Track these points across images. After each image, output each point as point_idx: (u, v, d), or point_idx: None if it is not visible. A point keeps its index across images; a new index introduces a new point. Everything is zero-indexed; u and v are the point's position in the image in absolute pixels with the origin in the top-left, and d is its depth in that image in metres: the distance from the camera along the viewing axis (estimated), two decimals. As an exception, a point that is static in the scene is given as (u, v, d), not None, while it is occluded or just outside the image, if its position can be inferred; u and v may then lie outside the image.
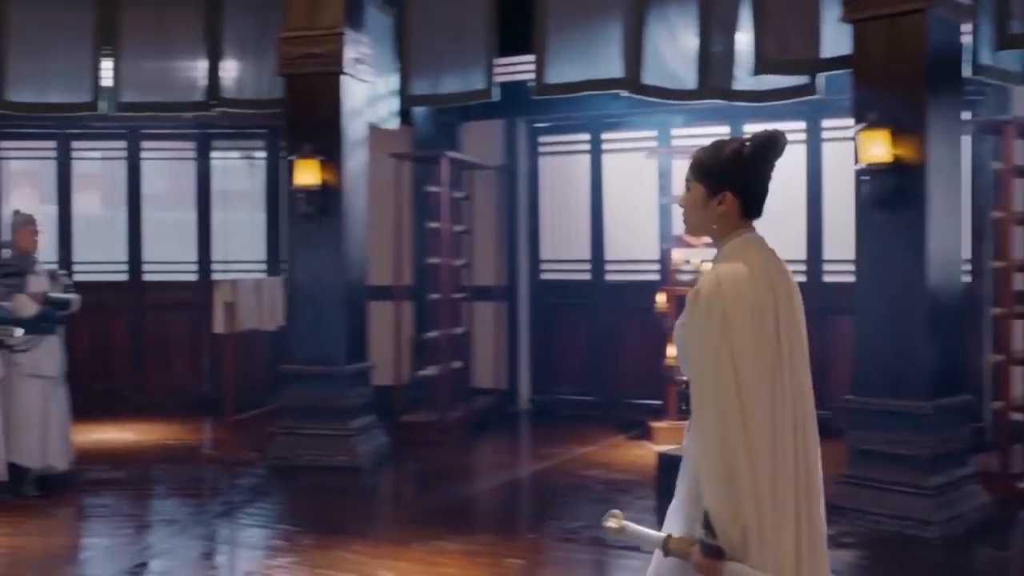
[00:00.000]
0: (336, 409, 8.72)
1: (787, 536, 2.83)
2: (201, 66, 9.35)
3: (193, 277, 11.81)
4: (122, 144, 11.92)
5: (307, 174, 8.65)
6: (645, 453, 8.83)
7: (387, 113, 9.85)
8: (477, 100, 8.94)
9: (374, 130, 9.77)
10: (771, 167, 2.95)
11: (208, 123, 11.37)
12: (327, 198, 8.69)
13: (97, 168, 12.37)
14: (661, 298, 9.23)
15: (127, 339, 11.89)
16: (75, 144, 11.96)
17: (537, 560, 6.34)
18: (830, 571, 3.01)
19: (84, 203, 12.29)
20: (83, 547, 6.96)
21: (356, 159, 9.01)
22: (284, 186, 9.76)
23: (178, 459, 9.14)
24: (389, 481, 8.80)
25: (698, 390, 2.82)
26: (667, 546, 2.91)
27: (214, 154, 11.94)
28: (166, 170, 12.32)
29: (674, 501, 3.01)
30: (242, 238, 11.93)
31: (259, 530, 7.06)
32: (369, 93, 9.28)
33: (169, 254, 11.98)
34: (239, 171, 12.04)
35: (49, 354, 7.95)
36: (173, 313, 11.81)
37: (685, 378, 3.08)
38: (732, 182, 2.93)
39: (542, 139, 11.44)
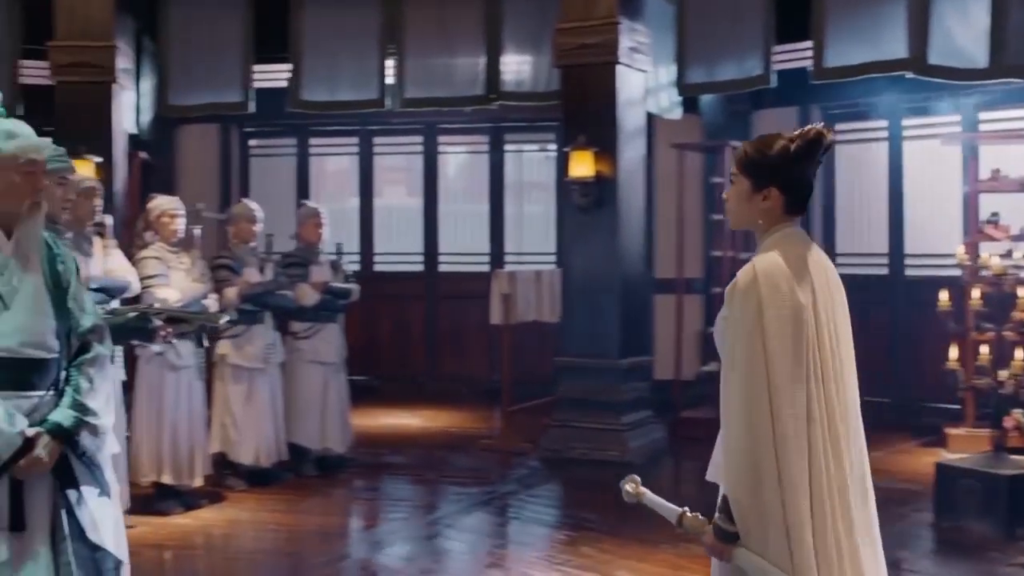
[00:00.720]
0: (609, 403, 8.62)
1: (824, 532, 2.81)
2: (480, 61, 9.50)
3: (486, 268, 12.04)
4: (419, 139, 12.32)
5: (582, 165, 8.60)
6: (934, 461, 8.19)
7: (669, 103, 9.65)
8: (755, 87, 8.64)
9: (657, 120, 9.59)
10: (817, 165, 2.98)
11: (501, 117, 11.58)
12: (602, 189, 8.61)
13: (400, 162, 12.82)
14: (944, 295, 8.56)
15: (423, 328, 12.28)
16: (376, 140, 12.47)
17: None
18: (883, 570, 2.97)
19: (389, 197, 12.78)
20: (351, 528, 7.21)
21: (633, 150, 8.87)
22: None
23: (456, 447, 9.34)
24: (658, 479, 8.58)
25: (728, 382, 2.85)
26: (681, 521, 2.99)
27: (508, 147, 12.13)
28: (461, 164, 12.62)
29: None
30: (534, 230, 12.06)
31: (514, 522, 7.07)
32: (648, 83, 9.11)
33: (464, 245, 12.28)
34: (533, 163, 12.16)
35: (329, 341, 8.30)
36: (466, 303, 12.07)
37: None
38: (778, 178, 2.94)
39: (837, 126, 10.85)
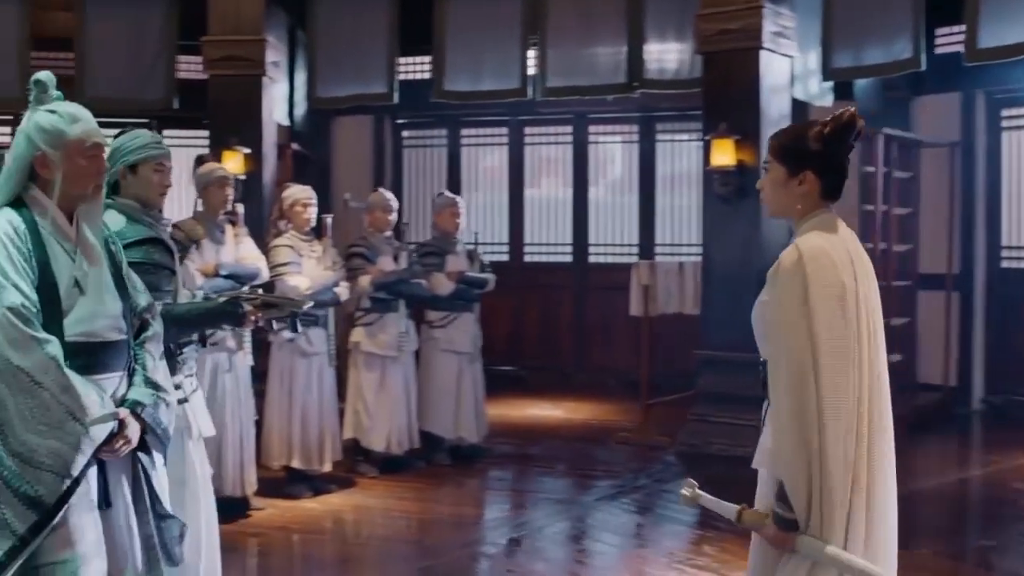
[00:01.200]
0: (749, 398, 8.28)
1: (859, 514, 2.85)
2: (622, 49, 9.37)
3: (635, 259, 11.86)
4: (569, 129, 12.25)
5: (722, 154, 8.38)
6: None
7: (819, 89, 9.32)
8: (904, 71, 8.26)
9: (806, 107, 9.28)
10: (850, 149, 3.00)
11: (652, 106, 11.42)
12: (744, 179, 8.34)
13: (552, 153, 12.74)
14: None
15: (571, 319, 12.20)
16: (527, 130, 12.44)
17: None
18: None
19: (541, 188, 12.72)
20: (478, 518, 7.18)
21: (777, 138, 8.57)
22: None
23: (594, 439, 9.24)
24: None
25: (775, 365, 2.88)
26: (740, 517, 3.01)
27: (659, 136, 11.93)
28: (612, 154, 12.48)
29: (761, 475, 3.08)
30: (685, 221, 11.84)
31: (639, 516, 6.92)
32: (796, 68, 8.80)
33: (613, 236, 12.16)
34: (683, 153, 11.93)
35: (464, 330, 8.29)
36: (615, 294, 11.86)
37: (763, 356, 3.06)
38: (813, 163, 2.98)
39: (1005, 112, 10.29)
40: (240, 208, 6.92)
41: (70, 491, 2.92)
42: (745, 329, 9.04)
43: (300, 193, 7.23)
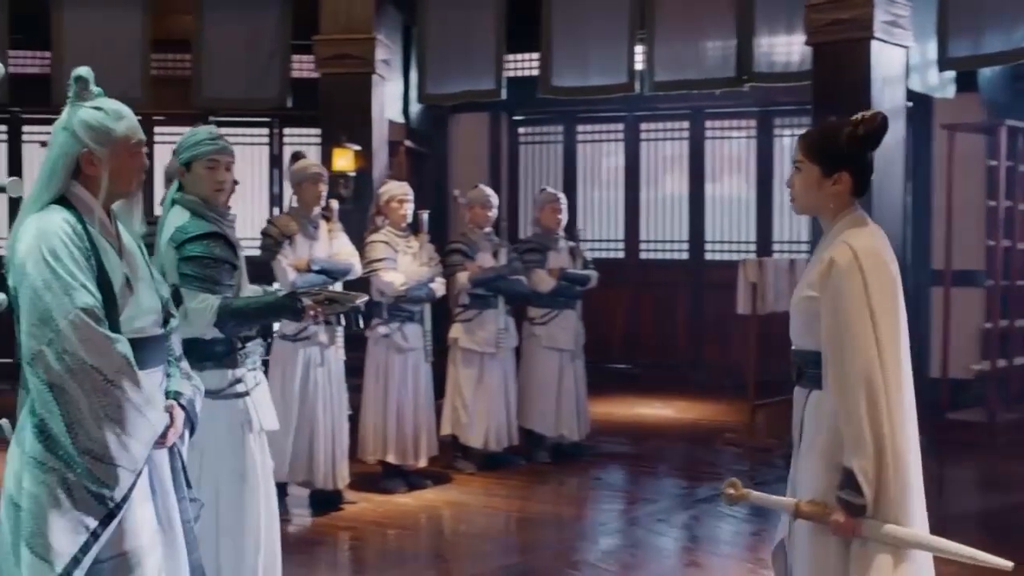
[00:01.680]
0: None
1: (920, 495, 3.05)
2: (731, 43, 9.17)
3: (752, 256, 11.61)
4: (685, 125, 12.08)
5: (832, 149, 8.12)
6: None
7: (940, 81, 8.97)
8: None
9: (930, 100, 8.95)
10: (877, 147, 3.16)
11: (769, 100, 11.18)
12: (855, 174, 8.09)
13: (668, 149, 12.55)
14: None
15: (687, 317, 12.02)
16: (643, 126, 12.31)
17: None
18: None
19: (659, 184, 12.55)
20: (571, 516, 7.07)
21: (891, 132, 8.19)
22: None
23: (699, 440, 9.08)
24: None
25: (839, 358, 3.00)
26: (799, 510, 3.07)
27: (778, 131, 11.67)
28: (730, 149, 12.23)
29: (802, 466, 3.16)
30: (805, 218, 11.52)
31: (730, 521, 6.74)
32: (912, 59, 8.48)
33: (730, 233, 11.95)
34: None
35: (566, 327, 8.23)
36: (732, 292, 11.68)
37: (805, 348, 3.19)
38: (848, 162, 3.12)
39: None
40: (335, 204, 6.98)
41: (134, 484, 2.97)
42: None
43: (396, 189, 7.26)
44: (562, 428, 8.22)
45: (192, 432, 3.31)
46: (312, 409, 6.56)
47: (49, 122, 3.22)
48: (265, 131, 12.59)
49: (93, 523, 2.87)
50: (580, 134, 12.61)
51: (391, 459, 7.21)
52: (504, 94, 10.16)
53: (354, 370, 7.39)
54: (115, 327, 3.00)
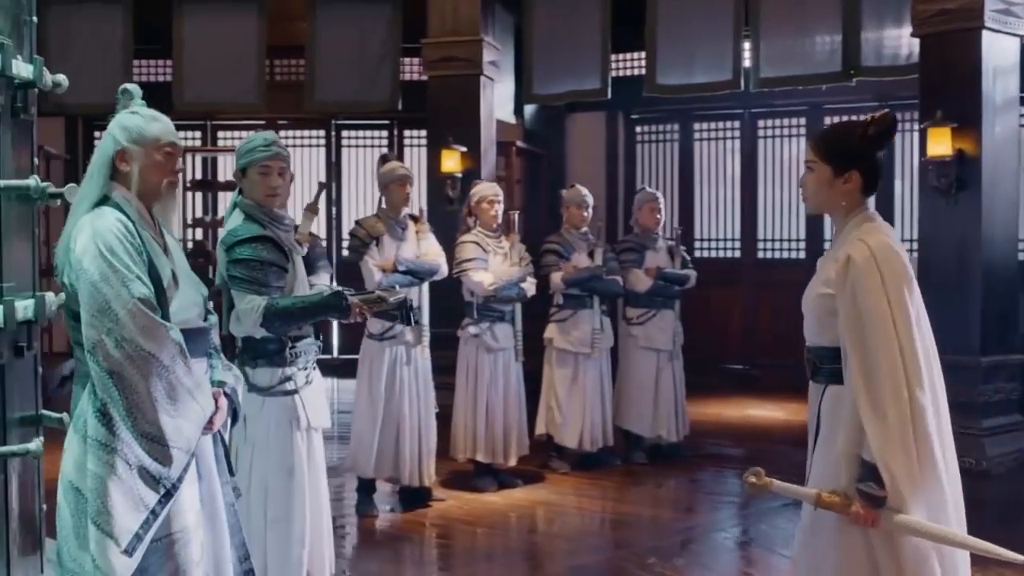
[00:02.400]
0: (966, 404, 7.78)
1: (946, 486, 3.09)
2: (836, 38, 8.98)
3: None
4: (802, 121, 11.84)
5: (939, 143, 7.88)
6: None
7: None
8: None
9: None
10: (886, 147, 3.26)
11: (888, 94, 10.85)
12: (963, 169, 7.83)
13: (784, 146, 12.31)
14: None
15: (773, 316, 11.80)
16: (760, 123, 12.13)
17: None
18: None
19: (775, 181, 12.32)
20: (653, 517, 7.01)
21: (1003, 125, 7.98)
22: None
23: (805, 443, 8.80)
24: (1021, 492, 7.70)
25: (861, 353, 3.06)
26: (820, 500, 3.14)
27: (901, 126, 11.33)
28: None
29: (820, 459, 3.27)
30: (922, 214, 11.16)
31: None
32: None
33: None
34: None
35: (663, 328, 8.16)
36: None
37: (820, 344, 3.29)
38: (858, 161, 3.21)
39: None
40: (423, 205, 7.07)
41: (188, 466, 3.11)
42: (962, 330, 8.49)
43: (487, 190, 7.31)
44: (659, 429, 8.16)
45: (235, 420, 3.46)
46: (398, 407, 6.66)
47: (178, 128, 3.44)
48: (384, 134, 12.83)
49: (152, 501, 3.02)
50: (696, 132, 12.48)
51: (480, 458, 7.27)
52: (610, 93, 10.13)
53: (447, 369, 7.48)
54: (165, 317, 3.15)
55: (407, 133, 12.64)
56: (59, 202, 3.82)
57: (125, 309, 3.01)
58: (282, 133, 12.80)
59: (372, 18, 10.61)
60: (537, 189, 12.13)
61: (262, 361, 4.26)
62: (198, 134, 12.57)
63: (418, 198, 12.22)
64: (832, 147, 3.25)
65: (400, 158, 12.65)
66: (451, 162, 9.76)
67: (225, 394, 3.39)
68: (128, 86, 3.40)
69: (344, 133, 12.93)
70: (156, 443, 3.02)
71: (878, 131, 3.19)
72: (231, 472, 3.48)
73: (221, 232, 4.36)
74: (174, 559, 3.12)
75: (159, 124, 3.29)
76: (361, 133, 12.94)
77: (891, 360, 3.02)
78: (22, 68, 3.70)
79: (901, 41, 8.72)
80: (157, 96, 11.05)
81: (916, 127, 10.82)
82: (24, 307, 3.65)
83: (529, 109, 11.97)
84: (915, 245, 9.15)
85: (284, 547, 4.18)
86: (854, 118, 10.04)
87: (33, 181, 3.59)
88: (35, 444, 3.54)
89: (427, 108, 10.11)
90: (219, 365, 3.46)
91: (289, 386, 4.27)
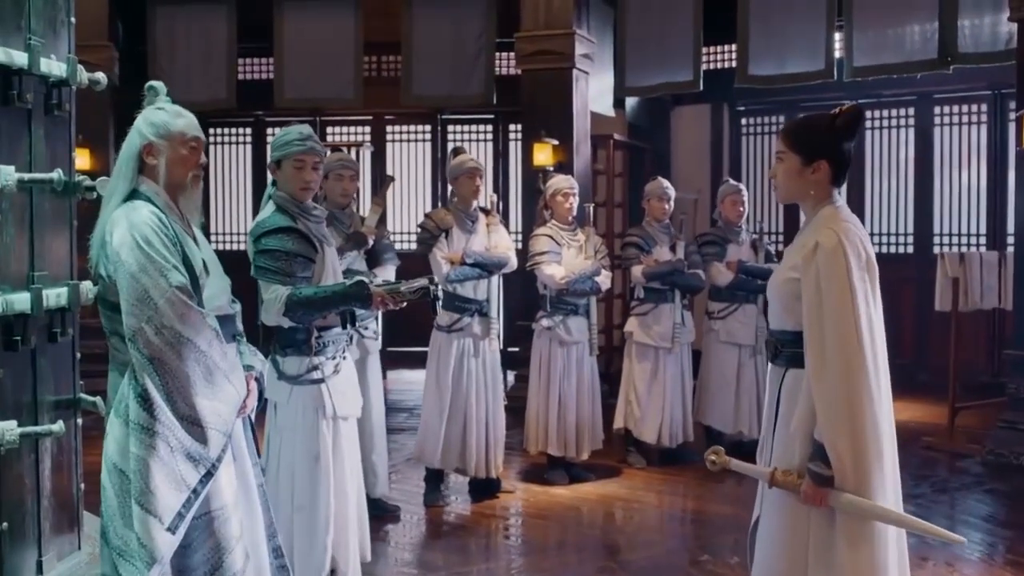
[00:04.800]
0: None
1: (894, 470, 3.29)
2: (932, 26, 8.72)
3: (983, 249, 10.93)
4: (910, 112, 11.51)
5: (1034, 133, 7.59)
6: None
7: None
8: None
9: None
10: (854, 138, 3.34)
11: (1001, 82, 10.49)
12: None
13: (889, 137, 11.97)
14: None
15: (916, 313, 11.43)
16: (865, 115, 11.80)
17: None
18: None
19: (877, 175, 12.01)
20: (720, 515, 6.87)
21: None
22: None
23: (900, 443, 8.60)
24: None
25: (818, 336, 3.15)
26: (773, 478, 3.25)
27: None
28: (958, 135, 11.53)
29: (778, 439, 3.34)
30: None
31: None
32: None
33: (959, 225, 11.31)
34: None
35: (745, 323, 8.03)
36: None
37: (783, 328, 3.37)
38: (827, 152, 3.29)
39: None
40: (494, 198, 7.10)
41: (226, 446, 3.25)
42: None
43: (562, 183, 7.29)
44: (741, 425, 8.04)
45: (261, 404, 3.61)
46: (465, 398, 6.71)
47: (283, 124, 3.59)
48: (489, 128, 12.92)
49: (194, 481, 3.15)
50: (803, 124, 12.21)
51: (552, 451, 7.27)
52: (702, 85, 10.02)
53: (525, 361, 7.51)
54: (200, 305, 3.28)
55: (510, 127, 12.70)
56: (95, 194, 4.00)
57: (164, 298, 3.13)
58: (388, 128, 13.01)
59: (467, 13, 10.69)
60: (640, 182, 12.01)
61: (291, 350, 4.37)
62: (306, 131, 12.87)
63: (514, 192, 12.30)
64: (801, 138, 3.33)
65: (504, 152, 12.81)
66: (543, 155, 9.77)
67: (255, 379, 3.52)
68: (154, 83, 3.51)
69: (449, 128, 13.06)
70: (195, 425, 3.14)
71: (845, 122, 3.28)
72: (259, 453, 3.61)
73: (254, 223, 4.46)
74: (215, 535, 3.25)
75: (184, 120, 3.41)
76: (466, 128, 13.04)
77: (845, 345, 3.09)
78: (54, 67, 3.87)
79: (1000, 28, 8.41)
80: (260, 93, 11.50)
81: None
82: (57, 294, 3.83)
83: (631, 102, 11.90)
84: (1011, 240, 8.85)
85: (310, 533, 4.27)
86: (964, 107, 9.96)
87: (56, 174, 3.76)
88: (58, 425, 3.70)
89: (521, 102, 10.13)
90: (246, 350, 3.59)
91: (316, 375, 4.36)
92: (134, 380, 3.16)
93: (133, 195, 3.36)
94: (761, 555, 3.43)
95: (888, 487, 3.23)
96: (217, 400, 3.18)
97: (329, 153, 5.89)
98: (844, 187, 3.46)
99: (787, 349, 3.33)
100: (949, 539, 3.37)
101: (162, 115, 3.39)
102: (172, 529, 3.09)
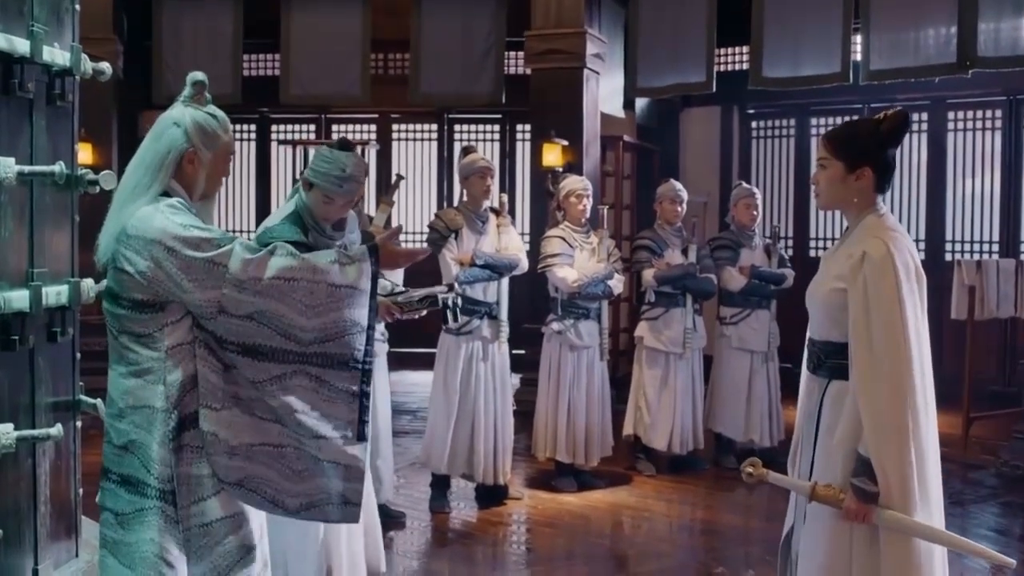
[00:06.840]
0: None
1: (938, 488, 3.14)
2: (950, 29, 8.58)
3: (996, 257, 10.78)
4: (924, 117, 11.36)
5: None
6: None
7: None
8: None
9: None
10: (899, 144, 3.27)
11: (1018, 88, 10.37)
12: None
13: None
14: None
15: (932, 320, 11.25)
16: (811, 120, 11.90)
17: None
18: None
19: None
20: (743, 527, 6.79)
21: None
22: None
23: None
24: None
25: (866, 349, 3.06)
26: (814, 493, 3.15)
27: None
28: (970, 140, 11.38)
29: (821, 448, 3.23)
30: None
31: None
32: None
33: (971, 232, 11.18)
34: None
35: (758, 329, 7.91)
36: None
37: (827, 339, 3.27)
38: (870, 158, 3.21)
39: None
40: (504, 198, 6.97)
41: (371, 339, 3.13)
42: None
43: (576, 184, 7.15)
44: (752, 433, 7.90)
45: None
46: (474, 403, 6.57)
47: (288, 122, 3.41)
48: (496, 128, 12.79)
49: (355, 387, 3.08)
50: (813, 127, 12.09)
51: (561, 457, 7.13)
52: (715, 87, 9.89)
53: (534, 365, 7.37)
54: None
55: (518, 127, 12.56)
56: (98, 189, 3.85)
57: (231, 257, 2.99)
58: (394, 127, 12.88)
59: (477, 11, 10.56)
60: (649, 185, 11.89)
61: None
62: (312, 127, 12.68)
63: (522, 193, 12.16)
64: (844, 144, 3.25)
65: (511, 152, 12.68)
66: (552, 156, 9.63)
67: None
68: (199, 77, 3.27)
69: (456, 127, 12.92)
70: (327, 341, 3.04)
71: (890, 128, 3.21)
72: None
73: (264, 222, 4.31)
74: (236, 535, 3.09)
75: (229, 133, 3.25)
76: (473, 127, 12.92)
77: (894, 360, 3.02)
78: (57, 55, 3.72)
79: (1020, 32, 8.29)
80: (266, 90, 11.36)
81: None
82: (56, 292, 3.69)
83: (641, 103, 11.77)
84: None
85: (301, 542, 4.17)
86: (978, 113, 9.83)
87: (58, 167, 3.61)
88: (57, 429, 3.55)
89: (529, 102, 9.99)
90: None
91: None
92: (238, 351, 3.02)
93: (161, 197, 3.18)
94: (804, 572, 3.32)
95: (933, 505, 3.13)
96: (334, 311, 3.03)
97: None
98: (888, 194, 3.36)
99: (831, 360, 3.25)
100: (999, 561, 3.23)
101: (213, 124, 3.18)
102: (363, 439, 3.08)
